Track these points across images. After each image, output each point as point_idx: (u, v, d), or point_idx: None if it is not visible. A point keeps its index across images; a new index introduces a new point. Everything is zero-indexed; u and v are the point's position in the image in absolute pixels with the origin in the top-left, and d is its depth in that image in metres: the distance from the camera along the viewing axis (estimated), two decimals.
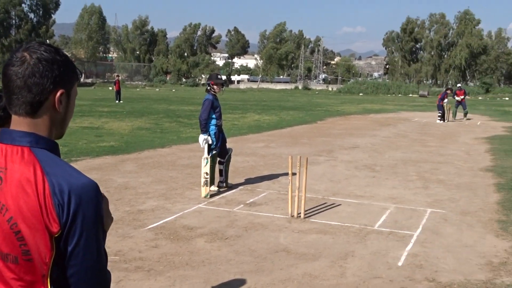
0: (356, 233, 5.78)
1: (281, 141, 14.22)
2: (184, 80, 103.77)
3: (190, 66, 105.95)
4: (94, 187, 1.30)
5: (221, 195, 7.47)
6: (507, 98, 63.55)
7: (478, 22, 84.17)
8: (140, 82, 79.03)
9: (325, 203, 7.13)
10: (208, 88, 7.91)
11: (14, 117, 1.34)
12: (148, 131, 15.58)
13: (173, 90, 63.22)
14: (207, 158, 7.53)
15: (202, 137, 7.58)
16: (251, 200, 7.21)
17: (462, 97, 23.89)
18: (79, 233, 1.26)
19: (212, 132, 7.71)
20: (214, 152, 7.74)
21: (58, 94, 1.34)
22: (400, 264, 4.85)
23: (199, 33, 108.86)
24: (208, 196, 7.28)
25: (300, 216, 6.35)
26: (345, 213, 6.62)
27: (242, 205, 6.93)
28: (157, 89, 64.31)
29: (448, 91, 23.65)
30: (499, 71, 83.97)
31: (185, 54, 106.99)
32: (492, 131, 18.62)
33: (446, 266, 4.80)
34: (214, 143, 7.72)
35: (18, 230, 1.26)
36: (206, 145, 7.58)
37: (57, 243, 1.26)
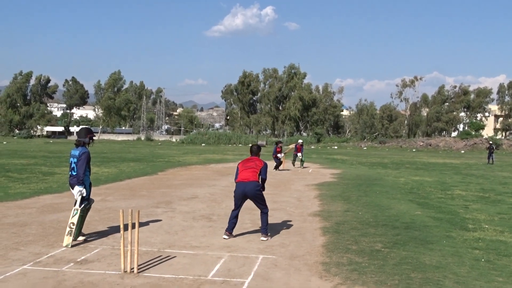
0: (189, 284, 5.78)
1: (119, 194, 13.85)
2: (17, 131, 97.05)
3: (23, 116, 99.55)
4: (266, 163, 8.81)
5: (49, 254, 7.01)
6: (335, 147, 69.24)
7: (305, 75, 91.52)
8: None
9: (160, 255, 7.04)
10: (89, 141, 8.08)
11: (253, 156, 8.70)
12: None
13: (4, 143, 58.65)
14: (77, 209, 7.64)
15: (77, 189, 7.74)
16: (83, 258, 6.87)
17: (300, 155, 26.15)
18: (265, 169, 8.42)
19: (87, 184, 7.88)
20: (88, 204, 7.97)
21: (259, 152, 8.82)
22: None
23: (32, 82, 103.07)
24: (69, 246, 7.37)
25: (133, 271, 6.19)
26: (180, 265, 6.59)
27: (72, 264, 6.56)
28: None
29: (280, 144, 24.88)
30: (327, 122, 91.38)
31: (17, 104, 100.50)
32: (321, 178, 20.07)
33: None
34: (88, 195, 7.93)
35: (257, 164, 8.43)
36: (80, 197, 7.71)
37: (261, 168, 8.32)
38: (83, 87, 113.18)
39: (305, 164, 27.84)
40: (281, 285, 5.82)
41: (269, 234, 8.39)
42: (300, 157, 26.49)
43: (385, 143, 73.40)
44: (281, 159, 24.39)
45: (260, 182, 8.34)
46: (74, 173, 7.81)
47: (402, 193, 15.38)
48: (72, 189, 7.89)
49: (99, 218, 9.93)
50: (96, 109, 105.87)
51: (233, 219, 8.30)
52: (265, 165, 8.47)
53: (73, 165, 7.88)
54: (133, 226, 6.33)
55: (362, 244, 7.95)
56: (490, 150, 35.70)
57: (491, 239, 8.61)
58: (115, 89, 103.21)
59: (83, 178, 7.75)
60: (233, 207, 8.50)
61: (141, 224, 9.05)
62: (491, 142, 39.74)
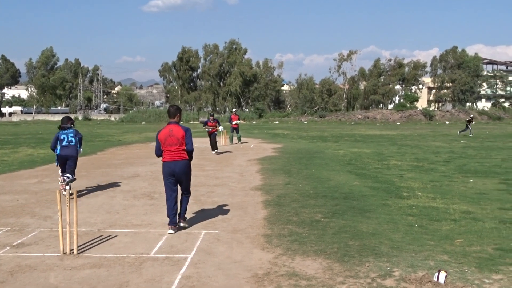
0: (131, 262, 5.75)
1: (56, 175, 13.42)
2: None
3: None
4: (189, 128, 7.41)
5: None
6: (277, 122, 69.87)
7: (246, 51, 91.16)
8: None
9: (101, 235, 6.96)
10: (70, 126, 10.49)
11: (171, 120, 7.36)
12: None
13: None
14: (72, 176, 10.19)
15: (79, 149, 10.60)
16: (19, 241, 6.69)
17: (237, 121, 25.39)
18: (188, 136, 7.24)
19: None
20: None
21: (178, 114, 7.45)
22: (173, 287, 4.97)
23: None
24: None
25: (73, 252, 6.09)
26: (121, 244, 6.54)
27: (8, 248, 6.37)
28: None
29: (211, 118, 21.23)
30: (268, 97, 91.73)
31: None
32: (263, 153, 20.26)
33: (216, 284, 5.06)
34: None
35: (178, 137, 7.19)
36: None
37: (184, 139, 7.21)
38: (14, 66, 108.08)
39: (245, 139, 27.95)
40: (224, 258, 5.90)
41: (187, 219, 7.68)
42: (238, 134, 25.53)
43: (325, 117, 74.63)
44: (217, 133, 21.25)
45: (187, 156, 7.35)
46: (73, 143, 10.29)
47: (341, 164, 15.78)
48: (64, 159, 10.19)
49: (35, 201, 9.66)
50: (29, 89, 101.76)
51: (174, 207, 7.26)
52: (188, 132, 7.27)
53: (69, 137, 10.30)
54: (71, 207, 6.20)
55: (302, 215, 8.14)
56: (469, 123, 36.57)
57: (424, 206, 9.01)
58: (48, 67, 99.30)
59: (81, 139, 10.70)
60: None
61: (81, 205, 8.89)
62: (472, 116, 41.03)
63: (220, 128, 21.11)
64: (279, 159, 17.69)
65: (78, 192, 9.04)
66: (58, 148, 10.20)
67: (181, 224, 7.40)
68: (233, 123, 25.14)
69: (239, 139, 25.89)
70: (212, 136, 20.45)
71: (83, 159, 17.99)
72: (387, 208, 8.82)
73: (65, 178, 9.96)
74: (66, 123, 10.49)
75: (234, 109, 27.42)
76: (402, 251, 6.11)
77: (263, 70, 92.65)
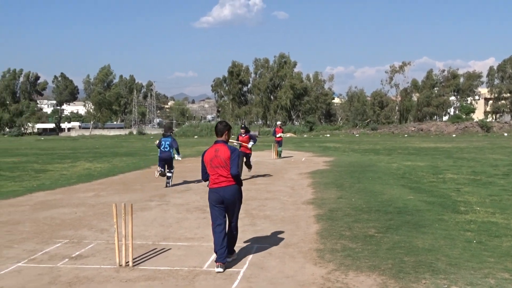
0: (184, 276, 5.81)
1: (112, 188, 13.84)
2: (7, 129, 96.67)
3: (13, 114, 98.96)
4: (237, 149, 6.93)
5: (43, 251, 7.02)
6: (328, 135, 69.40)
7: (295, 64, 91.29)
8: None
9: (155, 248, 7.07)
10: (170, 133, 14.18)
11: (219, 139, 6.42)
12: None
13: None
14: (171, 171, 14.27)
15: (179, 157, 14.38)
16: (77, 253, 6.89)
17: (281, 134, 25.23)
18: (234, 158, 6.25)
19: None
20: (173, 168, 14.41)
21: (227, 132, 6.46)
22: None
23: (21, 79, 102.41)
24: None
25: (128, 265, 6.21)
26: (175, 257, 6.62)
27: (67, 259, 6.57)
28: None
29: (242, 131, 16.72)
30: (319, 110, 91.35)
31: (7, 102, 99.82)
32: (314, 166, 20.13)
33: None
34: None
35: (224, 159, 6.23)
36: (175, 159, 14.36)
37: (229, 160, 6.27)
38: (72, 83, 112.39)
39: (296, 153, 27.80)
40: (276, 273, 5.87)
41: (235, 252, 6.73)
42: (279, 148, 25.07)
43: (377, 130, 73.59)
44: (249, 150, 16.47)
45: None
46: (167, 149, 13.75)
47: (395, 178, 15.46)
48: (163, 160, 13.86)
49: (93, 213, 9.93)
50: (87, 105, 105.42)
51: (223, 242, 6.20)
52: (234, 154, 6.30)
53: (166, 144, 13.76)
54: (127, 220, 6.34)
55: (355, 230, 8.01)
56: None
57: (482, 221, 8.70)
58: (105, 84, 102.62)
59: (178, 148, 14.01)
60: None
61: (135, 218, 9.08)
62: None
63: (250, 144, 16.42)
64: (330, 172, 17.53)
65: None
66: (159, 151, 13.89)
67: (228, 259, 6.36)
68: (277, 136, 25.06)
69: (279, 154, 25.16)
70: (244, 155, 15.48)
71: (137, 173, 18.42)
72: (444, 223, 8.56)
73: (162, 170, 13.87)
74: (167, 132, 14.03)
75: (278, 122, 27.34)
76: (460, 268, 5.91)
77: (313, 83, 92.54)
